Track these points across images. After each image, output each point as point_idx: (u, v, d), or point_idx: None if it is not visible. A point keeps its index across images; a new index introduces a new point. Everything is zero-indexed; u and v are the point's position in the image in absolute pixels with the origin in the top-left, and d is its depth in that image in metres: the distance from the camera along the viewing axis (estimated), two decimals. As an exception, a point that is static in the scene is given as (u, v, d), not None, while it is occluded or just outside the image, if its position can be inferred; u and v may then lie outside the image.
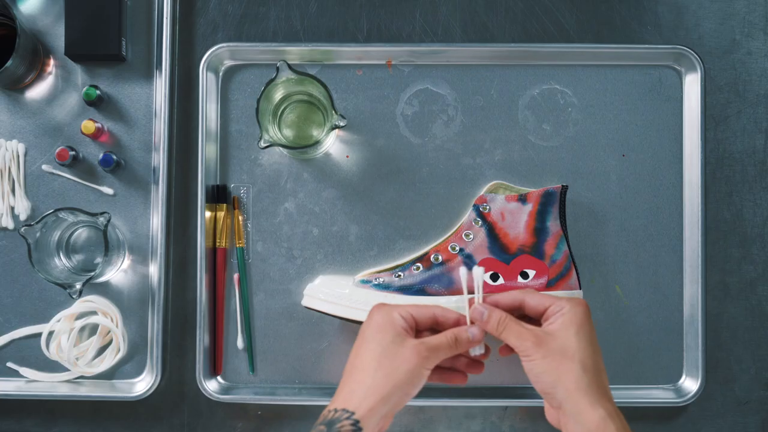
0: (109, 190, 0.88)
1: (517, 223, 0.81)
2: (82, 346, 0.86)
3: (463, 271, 0.75)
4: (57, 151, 0.86)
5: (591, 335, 0.70)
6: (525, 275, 0.81)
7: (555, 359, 0.67)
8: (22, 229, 0.79)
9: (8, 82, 0.86)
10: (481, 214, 0.82)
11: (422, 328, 0.73)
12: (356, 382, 0.68)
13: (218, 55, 0.87)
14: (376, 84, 0.88)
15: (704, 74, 0.87)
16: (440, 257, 0.82)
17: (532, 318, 0.74)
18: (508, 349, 0.76)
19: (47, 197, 0.88)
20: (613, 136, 0.88)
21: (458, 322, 0.73)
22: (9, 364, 0.87)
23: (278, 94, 0.83)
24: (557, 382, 0.67)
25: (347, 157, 0.88)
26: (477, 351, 0.74)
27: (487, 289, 0.80)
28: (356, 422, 0.66)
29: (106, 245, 0.81)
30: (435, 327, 0.74)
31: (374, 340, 0.70)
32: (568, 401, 0.66)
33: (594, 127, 0.88)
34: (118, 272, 0.87)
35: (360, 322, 0.78)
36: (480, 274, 0.74)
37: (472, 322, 0.73)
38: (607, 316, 0.87)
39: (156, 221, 0.87)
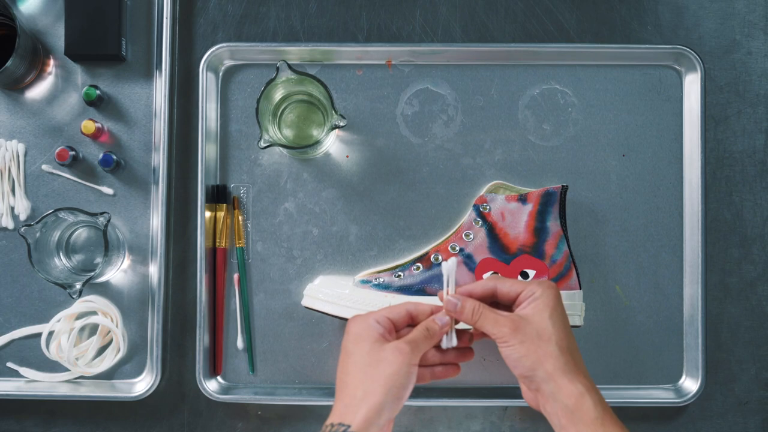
0: (108, 190, 0.88)
1: (517, 223, 0.81)
2: (82, 346, 0.86)
3: (444, 265, 0.75)
4: (57, 151, 0.86)
5: (563, 316, 0.71)
6: (525, 275, 0.81)
7: (533, 343, 0.68)
8: (22, 229, 0.79)
9: (8, 82, 0.86)
10: (481, 214, 0.82)
11: (400, 326, 0.73)
12: (348, 396, 0.68)
13: (218, 55, 0.87)
14: (376, 84, 0.88)
15: (704, 74, 0.86)
16: (440, 257, 0.82)
17: (503, 305, 0.74)
18: (482, 334, 0.76)
19: (47, 197, 0.88)
20: (613, 136, 0.88)
21: (432, 312, 0.74)
22: (9, 364, 0.87)
23: (278, 94, 0.82)
24: (536, 365, 0.68)
25: (347, 157, 0.88)
26: (446, 343, 0.73)
27: None
28: None
29: (106, 245, 0.81)
30: (412, 323, 0.74)
31: (356, 352, 0.70)
32: (547, 382, 0.67)
33: (594, 127, 0.88)
34: (118, 272, 0.87)
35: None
36: (450, 267, 0.73)
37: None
38: (608, 316, 0.87)
39: (156, 221, 0.87)
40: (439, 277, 0.81)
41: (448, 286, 0.73)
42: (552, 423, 0.69)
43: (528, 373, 0.68)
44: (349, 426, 0.66)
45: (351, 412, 0.67)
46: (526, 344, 0.68)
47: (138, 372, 0.87)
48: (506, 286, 0.72)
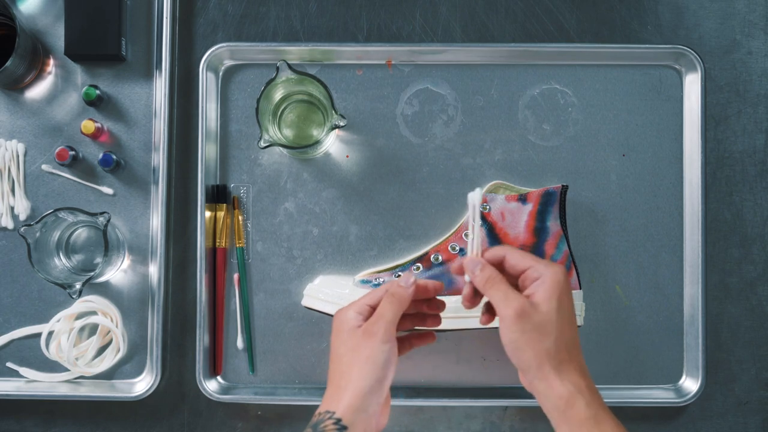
0: (108, 190, 0.88)
1: (517, 222, 0.81)
2: (82, 346, 0.86)
3: (470, 196, 0.72)
4: (57, 150, 0.86)
5: (570, 308, 0.69)
6: (525, 275, 0.81)
7: (532, 337, 0.67)
8: (22, 229, 0.79)
9: (8, 82, 0.86)
10: (481, 214, 0.82)
11: None
12: (334, 386, 0.70)
13: (218, 54, 0.87)
14: (376, 84, 0.88)
15: (704, 74, 0.87)
16: (440, 257, 0.82)
17: (510, 276, 0.72)
18: (489, 317, 0.74)
19: (47, 197, 0.88)
20: (613, 135, 0.88)
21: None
22: (9, 364, 0.87)
23: (278, 94, 0.83)
24: (531, 361, 0.67)
25: (347, 157, 0.88)
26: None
27: None
28: (338, 420, 0.67)
29: (106, 245, 0.81)
30: None
31: (337, 345, 0.72)
32: (540, 380, 0.67)
33: (594, 127, 0.88)
34: (118, 272, 0.87)
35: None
36: (475, 197, 0.71)
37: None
38: (608, 316, 0.87)
39: (156, 221, 0.87)
40: (440, 277, 0.81)
41: (473, 219, 0.71)
42: (546, 413, 0.69)
43: (523, 366, 0.68)
44: (334, 413, 0.68)
45: (336, 401, 0.69)
46: (526, 336, 0.67)
47: (138, 372, 0.87)
48: (514, 258, 0.71)
